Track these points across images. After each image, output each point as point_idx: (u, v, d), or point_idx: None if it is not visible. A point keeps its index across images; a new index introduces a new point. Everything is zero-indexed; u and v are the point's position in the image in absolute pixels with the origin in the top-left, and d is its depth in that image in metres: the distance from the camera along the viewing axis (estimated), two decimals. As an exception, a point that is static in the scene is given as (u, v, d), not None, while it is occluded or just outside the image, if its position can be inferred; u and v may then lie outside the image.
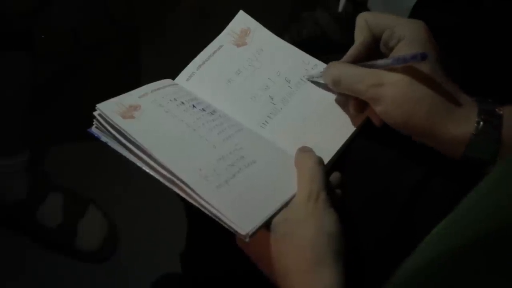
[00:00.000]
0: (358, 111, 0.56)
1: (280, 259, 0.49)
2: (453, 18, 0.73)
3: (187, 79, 0.62)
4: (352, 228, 0.53)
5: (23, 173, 1.13)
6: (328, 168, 0.55)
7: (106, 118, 0.55)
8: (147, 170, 0.53)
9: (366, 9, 1.16)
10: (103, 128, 0.55)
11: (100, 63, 1.37)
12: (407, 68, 0.51)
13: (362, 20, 0.55)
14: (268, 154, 0.56)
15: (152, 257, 1.14)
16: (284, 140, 0.57)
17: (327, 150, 0.56)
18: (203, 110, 0.58)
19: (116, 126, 0.54)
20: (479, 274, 0.32)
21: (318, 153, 0.54)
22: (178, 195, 0.52)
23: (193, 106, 0.58)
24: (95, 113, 0.55)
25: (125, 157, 0.54)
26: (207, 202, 0.50)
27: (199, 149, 0.54)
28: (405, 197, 0.55)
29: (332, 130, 0.58)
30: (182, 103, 0.58)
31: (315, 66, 0.62)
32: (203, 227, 0.67)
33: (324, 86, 0.59)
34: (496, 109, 0.50)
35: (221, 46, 0.63)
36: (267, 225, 0.50)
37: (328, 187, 0.51)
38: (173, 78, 0.62)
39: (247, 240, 0.48)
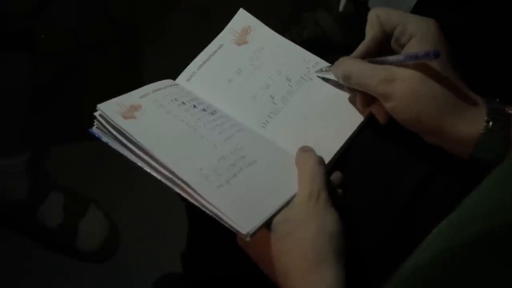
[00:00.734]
0: (365, 106, 0.55)
1: (280, 258, 0.49)
2: (454, 17, 0.73)
3: (188, 79, 0.62)
4: (353, 227, 0.53)
5: (24, 173, 1.13)
6: (329, 168, 0.55)
7: (107, 118, 0.54)
8: (148, 170, 0.53)
9: (366, 8, 1.16)
10: (104, 128, 0.55)
11: (100, 63, 1.37)
12: (418, 65, 0.50)
13: (374, 15, 0.55)
14: (269, 154, 0.56)
15: (152, 257, 1.14)
16: (285, 140, 0.57)
17: (328, 150, 0.56)
18: (204, 110, 0.58)
19: (117, 126, 0.54)
20: (480, 273, 0.32)
21: (319, 153, 0.54)
22: (179, 195, 0.52)
23: (194, 106, 0.58)
24: (96, 113, 0.55)
25: (126, 157, 0.54)
26: (208, 201, 0.50)
27: (200, 149, 0.54)
28: (406, 197, 0.55)
29: (333, 129, 0.58)
30: (183, 103, 0.58)
31: (316, 64, 0.62)
32: (204, 227, 0.67)
33: (333, 82, 0.59)
34: (506, 108, 0.50)
35: (221, 45, 0.63)
36: (267, 225, 0.50)
37: (329, 187, 0.51)
38: (174, 78, 0.62)
39: (247, 239, 0.48)
